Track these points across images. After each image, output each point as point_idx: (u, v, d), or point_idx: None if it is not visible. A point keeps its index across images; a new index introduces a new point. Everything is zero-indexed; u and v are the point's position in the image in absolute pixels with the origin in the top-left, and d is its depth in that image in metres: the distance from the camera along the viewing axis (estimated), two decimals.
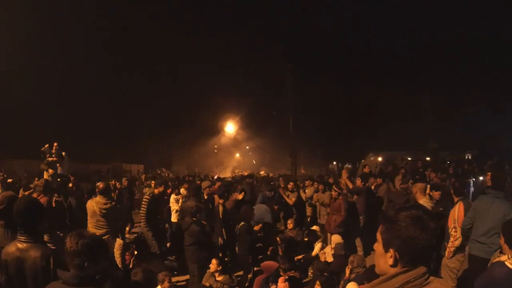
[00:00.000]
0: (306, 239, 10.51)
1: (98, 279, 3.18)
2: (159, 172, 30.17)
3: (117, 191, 13.53)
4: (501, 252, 4.09)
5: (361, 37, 44.01)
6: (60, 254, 3.63)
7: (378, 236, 2.19)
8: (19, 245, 3.70)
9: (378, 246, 2.18)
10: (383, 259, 2.14)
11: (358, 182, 11.93)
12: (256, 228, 9.42)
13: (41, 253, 3.62)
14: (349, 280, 6.77)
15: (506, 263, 3.83)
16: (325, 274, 7.17)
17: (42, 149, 11.98)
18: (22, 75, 29.32)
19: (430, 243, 2.00)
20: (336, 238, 9.31)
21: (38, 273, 3.54)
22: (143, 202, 9.28)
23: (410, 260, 2.04)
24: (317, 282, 6.77)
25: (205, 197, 10.92)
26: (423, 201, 6.82)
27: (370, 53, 41.66)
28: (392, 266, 2.09)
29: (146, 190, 12.30)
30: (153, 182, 12.40)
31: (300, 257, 9.77)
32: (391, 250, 2.08)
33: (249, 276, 8.40)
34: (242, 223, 8.78)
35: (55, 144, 12.27)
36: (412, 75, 37.39)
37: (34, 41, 29.43)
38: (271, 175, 28.08)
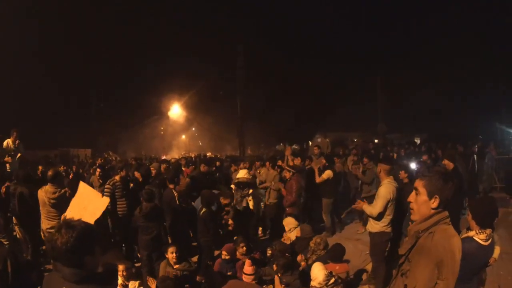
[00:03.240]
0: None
1: (100, 274, 3.01)
2: (106, 156, 29.71)
3: (71, 175, 13.16)
4: (468, 229, 4.26)
5: (312, 18, 43.98)
6: (16, 253, 3.41)
7: (421, 188, 3.18)
8: None
9: (421, 196, 3.18)
10: (426, 205, 3.14)
11: (297, 161, 12.04)
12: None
13: None
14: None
15: (475, 237, 4.08)
16: (286, 255, 7.18)
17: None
18: None
19: (451, 192, 3.12)
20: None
21: None
22: (105, 194, 8.88)
23: (444, 203, 3.10)
24: (275, 264, 6.79)
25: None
26: (388, 181, 6.95)
27: (321, 35, 41.84)
28: (435, 208, 3.11)
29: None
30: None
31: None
32: (436, 196, 3.10)
33: (209, 262, 8.29)
34: (204, 209, 8.61)
35: (15, 132, 11.71)
36: (362, 58, 37.88)
37: None
38: (218, 156, 28.02)
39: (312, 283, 5.97)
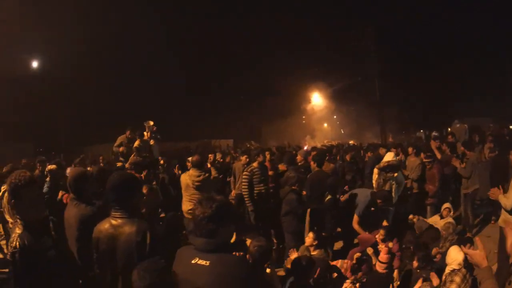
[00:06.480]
0: None
1: (232, 245, 3.29)
2: (248, 145, 30.42)
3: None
4: None
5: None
6: (156, 228, 3.73)
7: None
8: (113, 222, 3.65)
9: None
10: None
11: (445, 148, 11.68)
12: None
13: (137, 228, 3.54)
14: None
15: None
16: (411, 248, 7.15)
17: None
18: (96, 68, 31.17)
19: None
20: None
21: (132, 249, 3.47)
22: (243, 179, 9.44)
23: None
24: (415, 258, 6.69)
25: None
26: None
27: (457, 11, 39.52)
28: None
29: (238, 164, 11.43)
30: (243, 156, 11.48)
31: None
32: None
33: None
34: (329, 196, 8.78)
35: (151, 123, 12.61)
36: (500, 40, 35.59)
37: (102, 36, 30.94)
38: (361, 144, 27.67)
39: (450, 267, 5.85)
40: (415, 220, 9.06)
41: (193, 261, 2.93)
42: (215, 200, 3.02)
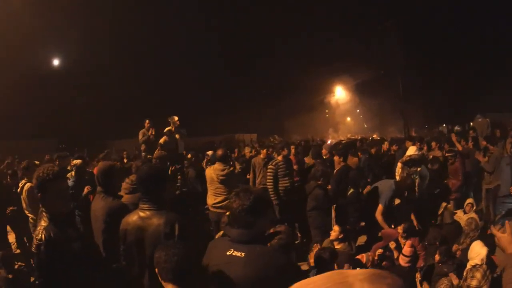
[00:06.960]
0: None
1: (266, 237, 3.30)
2: (271, 139, 30.37)
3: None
4: None
5: None
6: (184, 220, 3.74)
7: None
8: (141, 214, 3.70)
9: None
10: None
11: (463, 143, 11.59)
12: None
13: (165, 219, 3.58)
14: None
15: None
16: (437, 243, 7.10)
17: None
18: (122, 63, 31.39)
19: None
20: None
21: (160, 241, 3.42)
22: (268, 173, 9.37)
23: None
24: (437, 252, 6.65)
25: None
26: None
27: (480, 8, 38.83)
28: None
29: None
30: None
31: None
32: None
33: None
34: (351, 189, 8.76)
35: (176, 118, 12.54)
36: None
37: (123, 33, 31.23)
38: (384, 138, 27.43)
39: (472, 262, 5.73)
40: (449, 207, 9.01)
41: (228, 253, 2.96)
42: (252, 192, 3.05)
